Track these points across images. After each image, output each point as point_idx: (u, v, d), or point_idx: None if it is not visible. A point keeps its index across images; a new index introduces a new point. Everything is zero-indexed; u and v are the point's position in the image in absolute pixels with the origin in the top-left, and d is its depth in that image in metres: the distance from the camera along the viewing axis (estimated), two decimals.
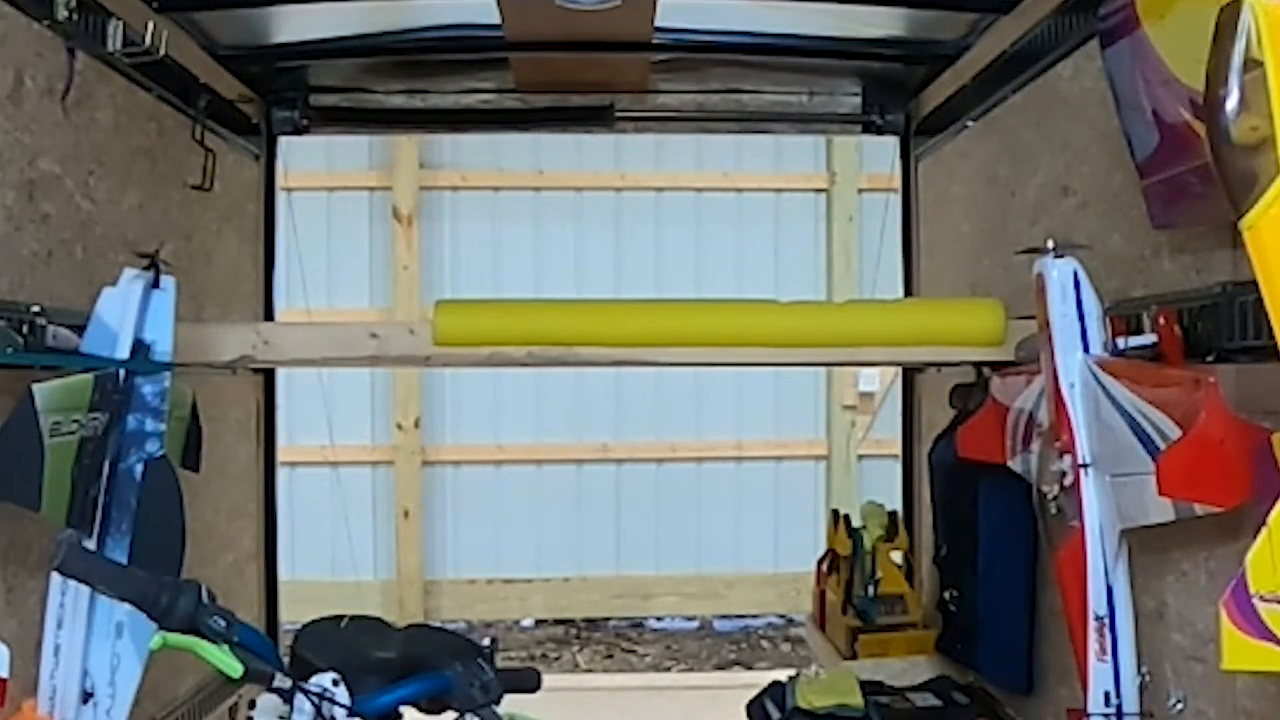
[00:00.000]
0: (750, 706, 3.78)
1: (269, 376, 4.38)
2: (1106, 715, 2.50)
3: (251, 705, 2.52)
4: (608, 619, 8.79)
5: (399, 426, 8.88)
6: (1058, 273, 2.65)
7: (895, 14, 3.82)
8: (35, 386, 2.37)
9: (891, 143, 4.77)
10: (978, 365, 3.44)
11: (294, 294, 4.98)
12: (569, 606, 8.89)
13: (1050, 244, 2.68)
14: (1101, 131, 2.78)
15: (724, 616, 9.08)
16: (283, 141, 4.48)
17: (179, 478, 2.75)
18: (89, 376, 2.56)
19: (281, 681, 2.30)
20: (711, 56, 4.25)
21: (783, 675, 3.88)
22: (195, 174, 3.61)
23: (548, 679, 2.64)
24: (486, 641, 2.57)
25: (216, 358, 3.13)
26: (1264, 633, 1.72)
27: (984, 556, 3.49)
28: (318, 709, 2.30)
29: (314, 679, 2.33)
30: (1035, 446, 2.83)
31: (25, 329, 2.48)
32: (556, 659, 8.26)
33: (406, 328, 3.23)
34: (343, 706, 2.33)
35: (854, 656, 4.12)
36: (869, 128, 4.74)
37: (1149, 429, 2.31)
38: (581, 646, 8.56)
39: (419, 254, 8.92)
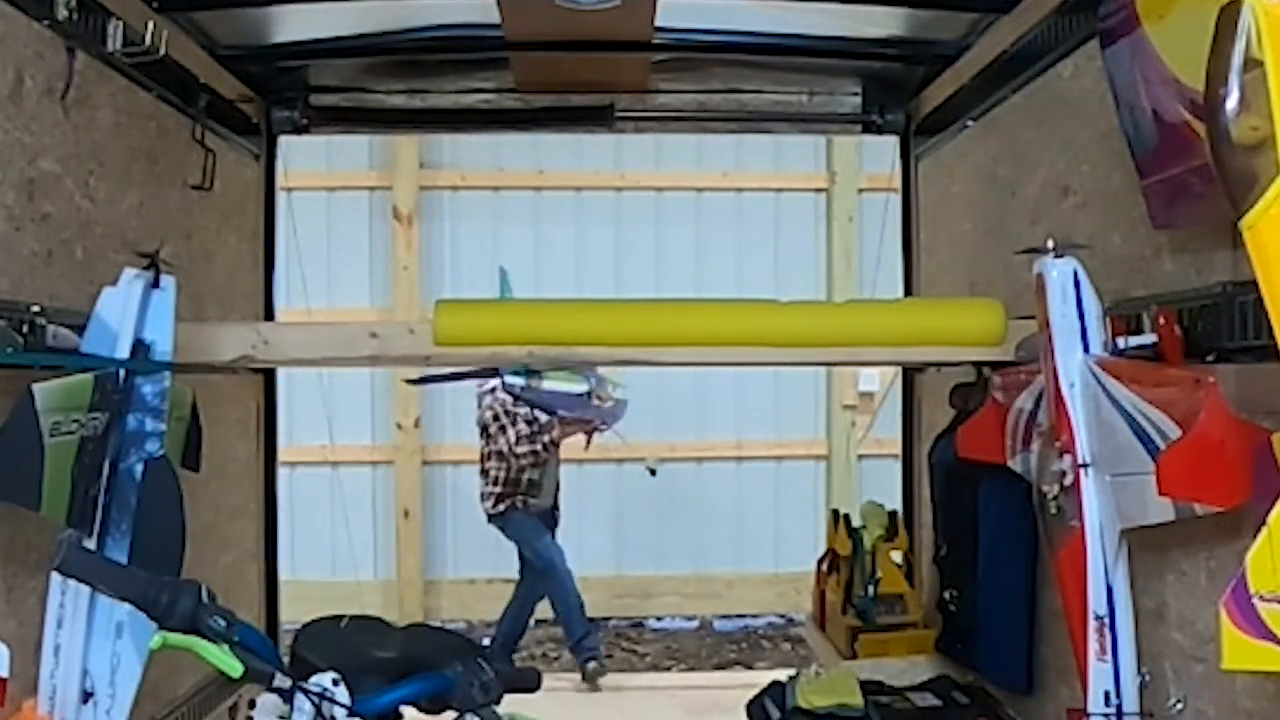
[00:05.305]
0: (750, 706, 3.78)
1: (269, 376, 4.38)
2: (1106, 715, 2.50)
3: (251, 705, 2.52)
4: (608, 619, 8.79)
5: (399, 426, 8.89)
6: (1058, 273, 2.65)
7: (895, 14, 3.82)
8: (35, 386, 2.37)
9: (891, 143, 4.77)
10: (978, 365, 3.44)
11: (294, 294, 4.98)
12: None
13: (1050, 244, 2.68)
14: (1101, 131, 2.78)
15: (724, 616, 9.08)
16: (283, 141, 4.48)
17: (179, 478, 2.75)
18: (89, 376, 2.56)
19: (281, 681, 2.30)
20: (711, 56, 4.25)
21: (783, 675, 3.88)
22: (195, 174, 3.61)
23: (548, 679, 2.64)
24: (486, 641, 2.56)
25: (216, 358, 3.12)
26: (1264, 633, 1.72)
27: (984, 556, 3.50)
28: (318, 709, 2.30)
29: (314, 679, 2.34)
30: (1035, 446, 2.83)
31: (25, 329, 2.48)
32: (556, 659, 8.26)
33: (406, 328, 3.23)
34: (343, 706, 2.33)
35: (854, 656, 4.12)
36: (869, 128, 4.74)
37: (1149, 429, 2.31)
38: None
39: (419, 254, 8.92)
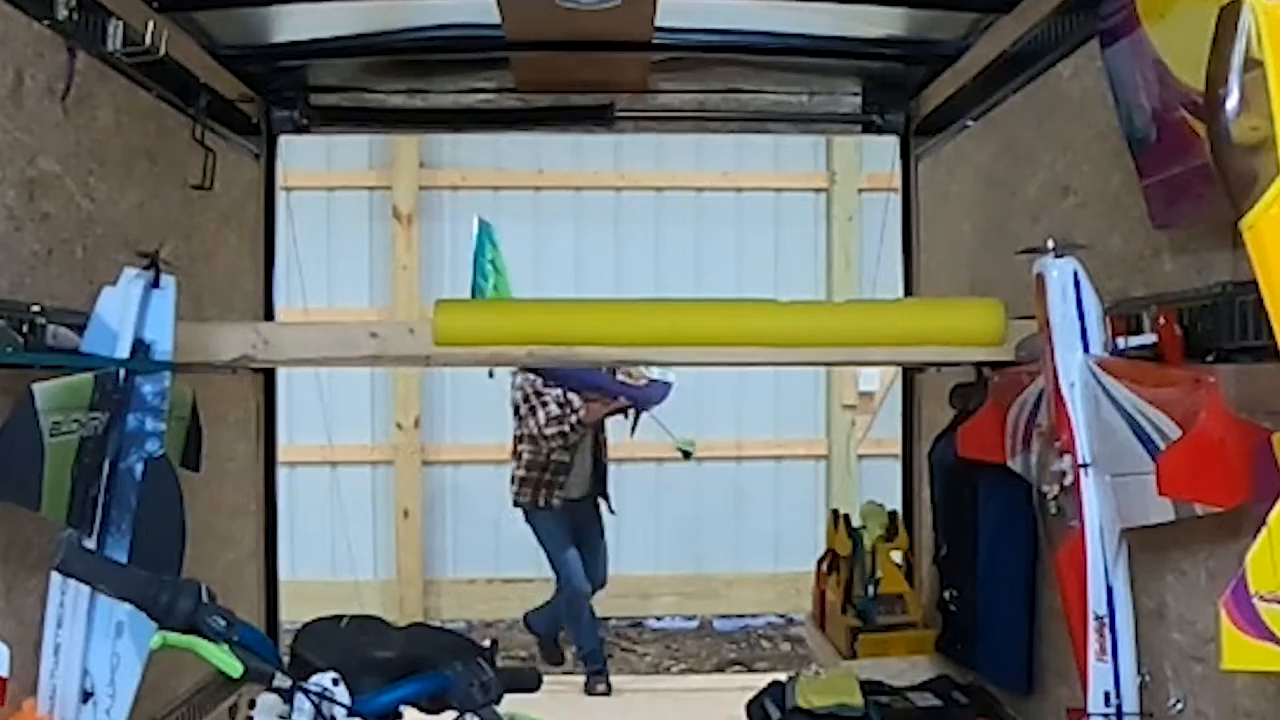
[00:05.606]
0: (750, 706, 3.78)
1: (269, 376, 4.37)
2: (1106, 715, 2.50)
3: (251, 705, 2.52)
4: (608, 619, 8.78)
5: (399, 426, 8.89)
6: (1058, 273, 2.65)
7: (895, 14, 3.82)
8: (35, 386, 2.37)
9: (891, 143, 4.77)
10: (978, 365, 3.44)
11: (294, 294, 4.98)
12: None
13: (1050, 244, 2.68)
14: (1101, 131, 2.78)
15: (724, 616, 9.08)
16: (283, 141, 4.48)
17: (179, 478, 2.75)
18: (89, 376, 2.56)
19: (281, 681, 2.31)
20: (711, 56, 4.25)
21: (783, 675, 3.88)
22: (195, 173, 3.61)
23: (548, 679, 2.64)
24: (487, 642, 2.57)
25: (216, 358, 3.13)
26: (1264, 633, 1.72)
27: (984, 556, 3.50)
28: (318, 708, 2.31)
29: (314, 679, 2.34)
30: (1035, 446, 2.83)
31: (25, 328, 2.48)
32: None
33: (406, 328, 3.23)
34: (343, 706, 2.34)
35: (854, 656, 4.12)
36: (869, 128, 4.74)
37: (1149, 429, 2.31)
38: None
39: (419, 254, 8.92)
